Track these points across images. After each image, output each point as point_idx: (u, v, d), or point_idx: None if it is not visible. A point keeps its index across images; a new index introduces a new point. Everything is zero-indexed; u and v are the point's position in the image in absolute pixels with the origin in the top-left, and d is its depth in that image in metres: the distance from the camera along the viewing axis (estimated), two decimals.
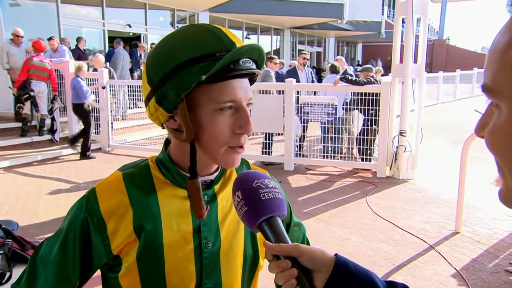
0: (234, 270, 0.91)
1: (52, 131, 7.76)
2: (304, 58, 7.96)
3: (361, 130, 6.67)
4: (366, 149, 6.57)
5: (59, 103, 7.76)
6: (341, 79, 6.45)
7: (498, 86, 0.43)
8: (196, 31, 0.80)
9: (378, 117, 6.38)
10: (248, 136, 0.86)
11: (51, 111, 7.66)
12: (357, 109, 6.62)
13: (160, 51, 0.81)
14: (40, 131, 7.85)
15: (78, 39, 9.94)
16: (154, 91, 0.80)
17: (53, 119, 7.71)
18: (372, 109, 6.34)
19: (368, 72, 6.84)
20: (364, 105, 6.37)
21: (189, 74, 0.76)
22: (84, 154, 7.27)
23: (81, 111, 7.16)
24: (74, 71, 7.20)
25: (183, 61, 0.77)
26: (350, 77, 6.51)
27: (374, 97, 6.30)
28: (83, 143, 7.30)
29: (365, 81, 6.33)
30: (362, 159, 6.65)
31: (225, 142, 0.81)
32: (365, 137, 6.51)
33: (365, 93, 6.32)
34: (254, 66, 0.82)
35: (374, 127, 6.46)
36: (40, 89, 7.55)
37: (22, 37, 8.15)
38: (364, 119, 6.55)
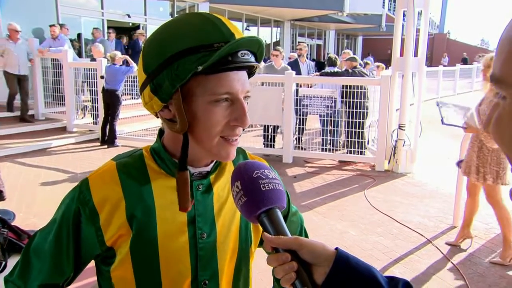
0: (231, 261, 0.89)
1: None
2: (300, 49, 7.98)
3: (346, 123, 6.67)
4: (361, 142, 6.56)
5: None
6: (321, 74, 6.49)
7: (506, 76, 0.42)
8: (195, 20, 0.78)
9: (363, 109, 6.36)
10: (243, 129, 0.85)
11: None
12: (341, 101, 6.60)
13: (158, 38, 0.79)
14: None
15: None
16: (150, 79, 0.78)
17: None
18: (354, 101, 6.32)
19: (352, 62, 6.83)
20: (351, 98, 6.36)
21: (185, 64, 0.74)
22: (113, 142, 7.30)
23: (115, 97, 7.18)
24: (110, 60, 7.18)
25: (179, 50, 0.75)
26: (330, 71, 6.51)
27: (360, 90, 6.31)
28: (110, 131, 7.31)
29: (350, 72, 6.34)
30: (360, 153, 6.65)
31: (218, 133, 0.79)
32: (352, 129, 6.49)
33: (351, 86, 6.33)
34: (253, 59, 0.80)
35: (362, 120, 6.45)
36: None
37: (19, 31, 7.75)
38: (348, 111, 6.53)
